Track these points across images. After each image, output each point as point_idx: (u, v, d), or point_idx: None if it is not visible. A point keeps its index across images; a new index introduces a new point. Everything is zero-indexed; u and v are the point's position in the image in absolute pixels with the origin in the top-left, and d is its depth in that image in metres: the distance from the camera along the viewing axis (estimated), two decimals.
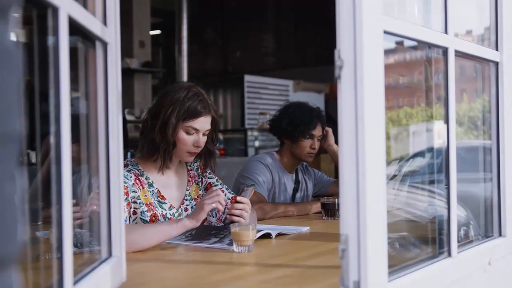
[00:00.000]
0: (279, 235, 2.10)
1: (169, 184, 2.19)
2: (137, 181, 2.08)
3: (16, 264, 0.59)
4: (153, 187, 2.12)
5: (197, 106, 2.07)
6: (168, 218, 2.12)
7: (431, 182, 1.87)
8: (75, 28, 1.06)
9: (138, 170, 2.12)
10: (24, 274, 0.84)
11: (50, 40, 0.97)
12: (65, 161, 0.97)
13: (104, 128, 1.29)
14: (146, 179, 2.12)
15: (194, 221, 1.88)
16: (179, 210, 2.18)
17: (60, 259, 0.96)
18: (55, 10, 0.95)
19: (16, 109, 0.57)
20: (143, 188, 2.09)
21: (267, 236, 2.04)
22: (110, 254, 1.31)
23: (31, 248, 1.16)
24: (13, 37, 0.58)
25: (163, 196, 2.14)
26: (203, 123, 2.10)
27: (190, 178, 2.27)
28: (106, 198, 1.31)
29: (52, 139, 0.97)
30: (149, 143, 2.11)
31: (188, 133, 2.09)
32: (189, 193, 2.24)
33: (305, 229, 2.27)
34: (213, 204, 1.89)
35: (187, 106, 2.06)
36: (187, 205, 2.22)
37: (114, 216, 1.32)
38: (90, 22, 1.16)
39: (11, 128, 0.57)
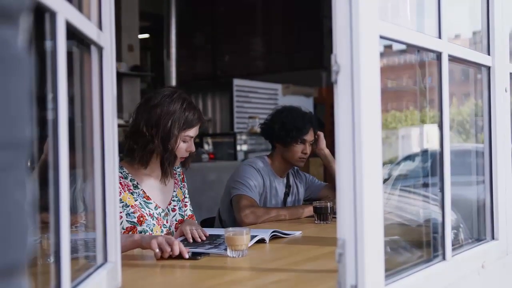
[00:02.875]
0: (273, 238, 2.10)
1: (155, 186, 2.25)
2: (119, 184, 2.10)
3: (26, 271, 0.59)
4: (139, 188, 2.19)
5: (194, 116, 2.19)
6: (156, 217, 2.17)
7: (422, 185, 1.87)
8: (71, 32, 1.06)
9: (121, 173, 2.16)
10: None
11: (47, 44, 0.96)
12: (62, 166, 0.96)
13: (99, 133, 1.29)
14: (131, 181, 2.18)
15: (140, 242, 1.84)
16: (166, 210, 2.25)
17: (58, 265, 0.95)
18: (53, 14, 0.95)
19: (26, 116, 0.57)
20: (128, 189, 2.14)
21: (260, 240, 2.04)
22: (105, 259, 1.30)
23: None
24: (22, 43, 0.58)
25: (148, 196, 2.20)
26: (197, 130, 2.23)
27: (176, 181, 2.35)
28: (102, 204, 1.30)
29: (48, 144, 0.96)
30: (148, 153, 2.14)
31: (184, 141, 2.19)
32: (176, 194, 2.32)
33: (297, 233, 2.27)
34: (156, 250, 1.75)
35: (185, 117, 2.16)
36: (174, 206, 2.29)
37: (110, 221, 1.31)
38: (86, 26, 1.16)
39: (21, 135, 0.56)
